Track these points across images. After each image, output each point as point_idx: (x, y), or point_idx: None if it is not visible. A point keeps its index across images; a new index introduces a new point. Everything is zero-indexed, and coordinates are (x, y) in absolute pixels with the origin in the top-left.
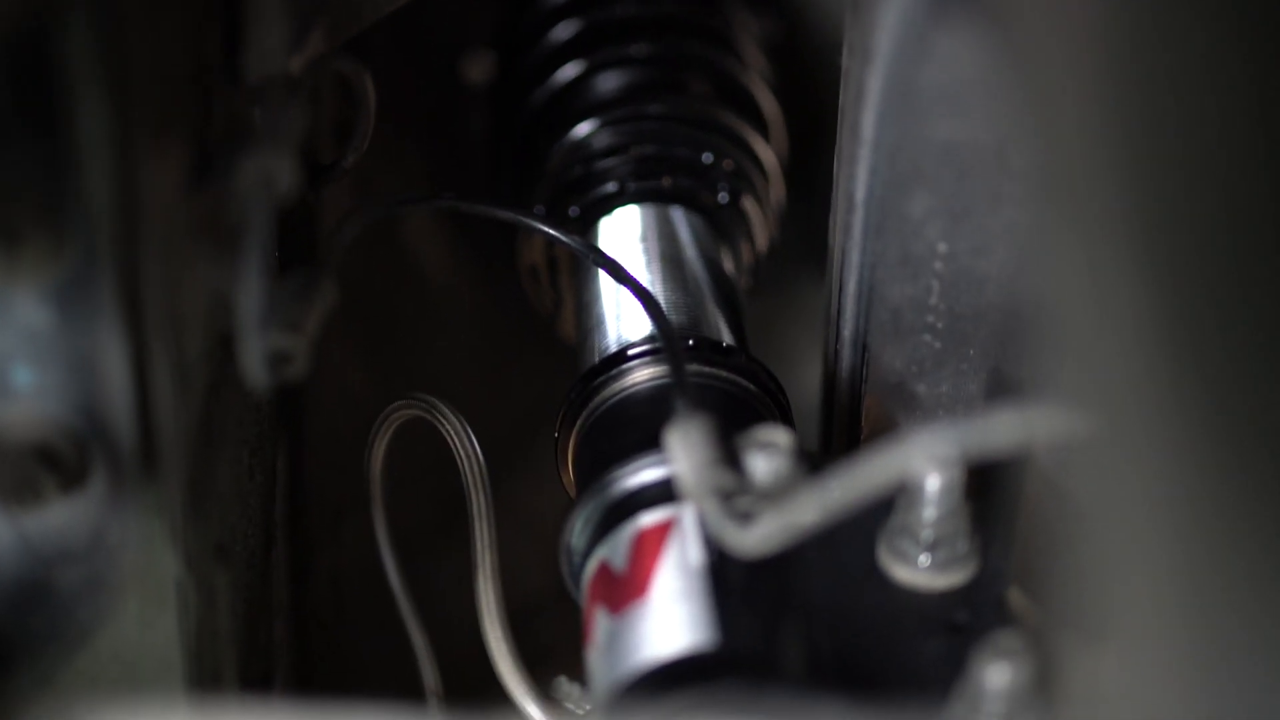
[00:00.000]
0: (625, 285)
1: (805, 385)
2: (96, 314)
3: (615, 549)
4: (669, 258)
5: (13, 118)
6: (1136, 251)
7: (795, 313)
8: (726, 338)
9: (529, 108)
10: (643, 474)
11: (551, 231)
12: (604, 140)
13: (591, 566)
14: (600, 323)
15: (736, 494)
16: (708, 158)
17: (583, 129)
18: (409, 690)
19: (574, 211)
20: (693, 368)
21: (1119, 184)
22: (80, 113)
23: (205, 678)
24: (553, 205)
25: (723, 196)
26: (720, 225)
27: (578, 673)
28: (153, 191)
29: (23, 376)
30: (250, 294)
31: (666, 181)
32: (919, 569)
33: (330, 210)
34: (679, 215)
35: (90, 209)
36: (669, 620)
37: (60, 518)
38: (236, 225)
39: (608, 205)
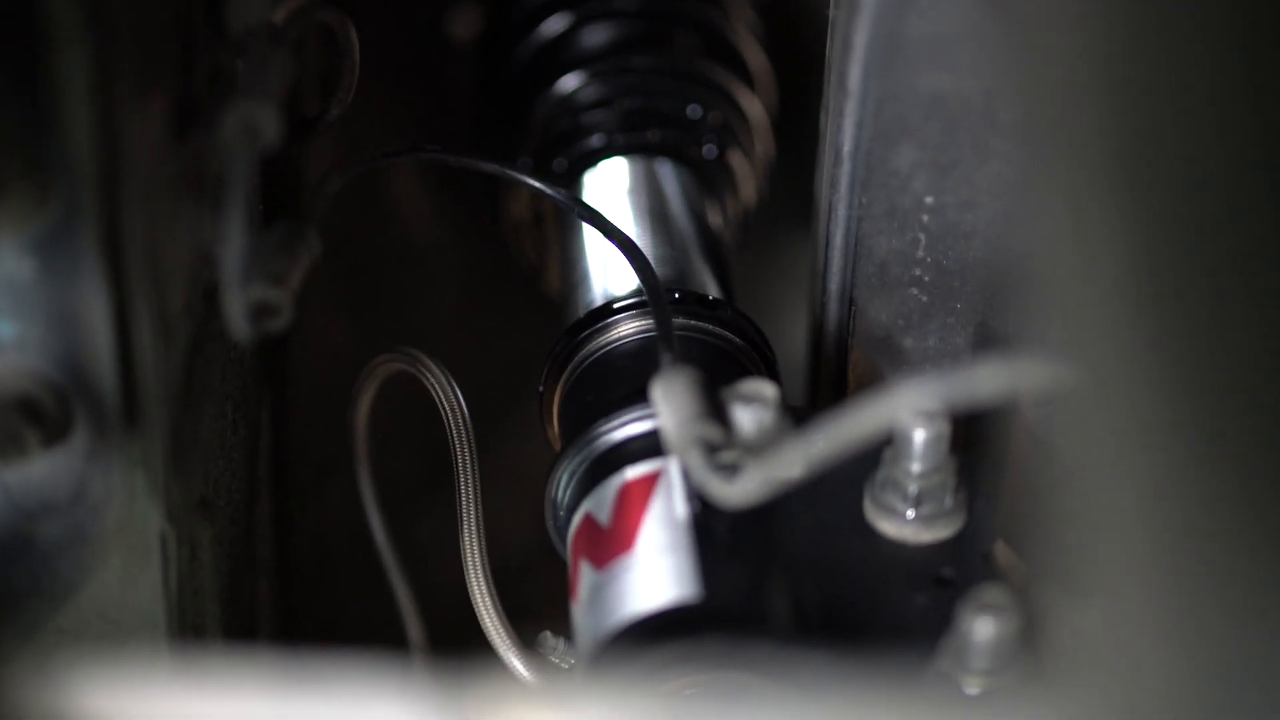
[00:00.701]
0: (611, 239)
1: (790, 340)
2: (79, 266)
3: (600, 503)
4: (655, 211)
5: None
6: (1121, 205)
7: (781, 268)
8: (713, 291)
9: (515, 62)
10: (628, 427)
11: (537, 184)
12: (590, 93)
13: (576, 520)
14: (585, 277)
15: (722, 447)
16: (694, 111)
17: (568, 82)
18: (393, 646)
19: (559, 165)
20: (678, 321)
21: (1104, 138)
22: (62, 65)
23: (188, 633)
24: (538, 159)
25: (710, 150)
26: (707, 179)
27: (562, 627)
28: (135, 143)
29: (4, 329)
30: (233, 246)
31: (653, 135)
32: (905, 522)
33: (313, 164)
34: (665, 169)
35: (72, 161)
36: (654, 574)
37: (42, 471)
38: (220, 177)
39: (593, 159)
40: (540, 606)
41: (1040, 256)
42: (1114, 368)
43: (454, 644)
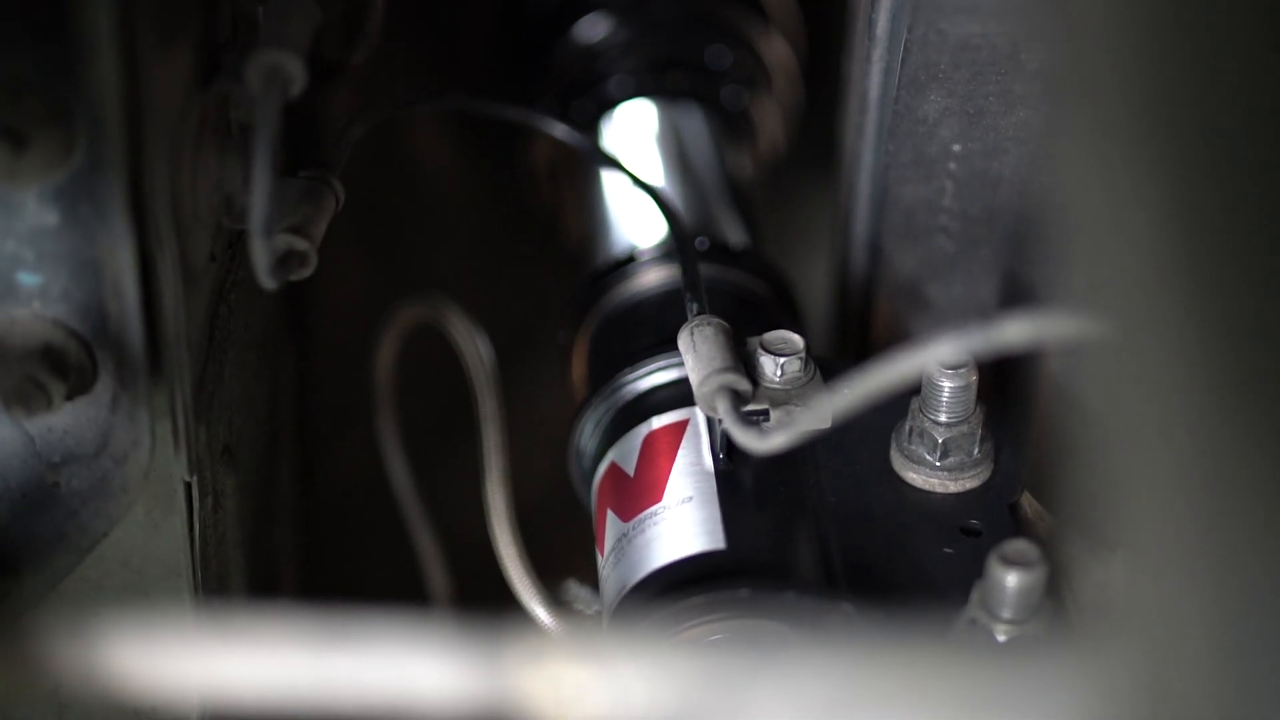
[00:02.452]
0: (638, 186)
1: (806, 289)
2: (103, 215)
3: (626, 452)
4: (678, 157)
5: (19, 18)
6: (1150, 153)
7: (796, 215)
8: (738, 238)
9: (534, 6)
10: (654, 376)
11: (561, 131)
12: (611, 38)
13: (602, 470)
14: (606, 224)
15: (749, 397)
16: (719, 55)
17: (589, 26)
18: (413, 595)
19: (579, 110)
20: (705, 269)
21: (1134, 84)
22: (87, 12)
23: (211, 583)
24: (559, 104)
25: (736, 94)
26: (732, 124)
27: (575, 575)
28: (160, 91)
29: (28, 279)
30: (260, 194)
31: (676, 79)
32: (932, 473)
33: (326, 111)
34: (690, 114)
35: (97, 109)
36: (681, 525)
37: (66, 421)
38: (244, 126)
39: (614, 103)
40: (554, 555)
41: (1069, 204)
42: (1146, 317)
43: (472, 593)
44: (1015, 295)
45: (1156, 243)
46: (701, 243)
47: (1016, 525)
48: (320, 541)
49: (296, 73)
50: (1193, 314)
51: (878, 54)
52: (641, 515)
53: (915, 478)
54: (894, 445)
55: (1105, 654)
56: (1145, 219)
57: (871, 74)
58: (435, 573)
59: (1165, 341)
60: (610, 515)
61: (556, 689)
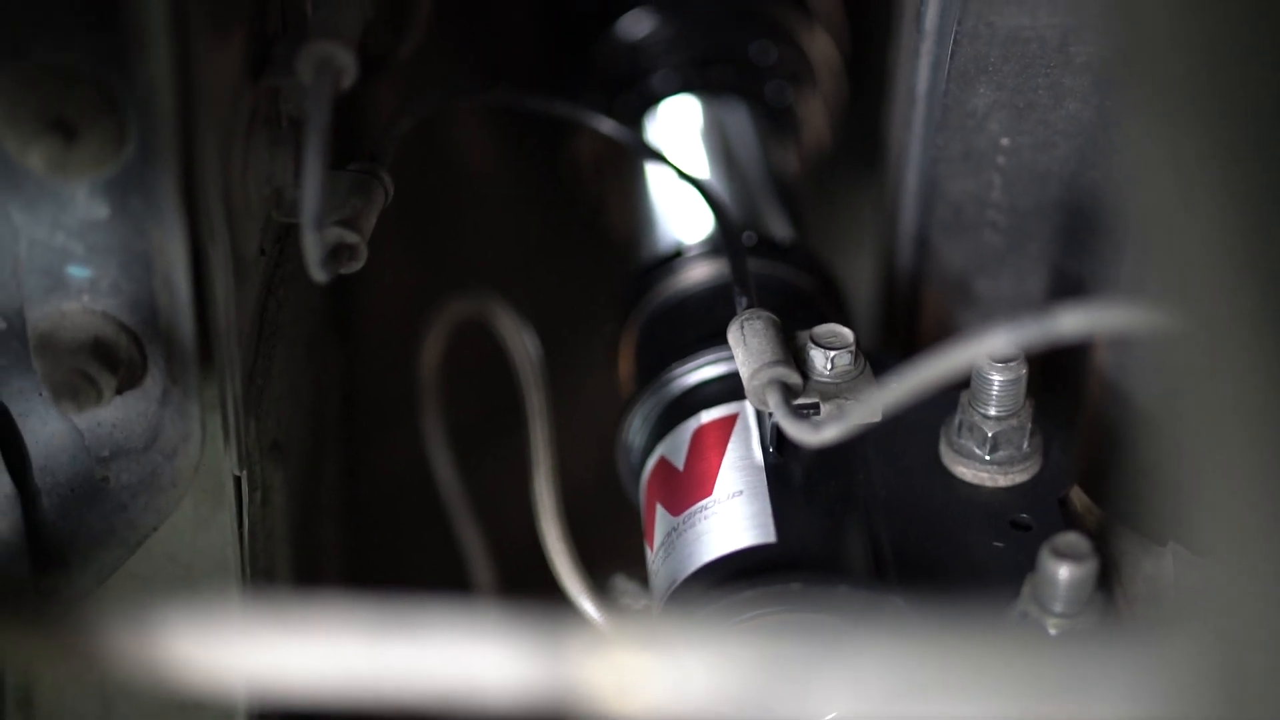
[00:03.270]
0: (684, 180)
1: (853, 284)
2: (154, 208)
3: (675, 446)
4: (724, 152)
5: (71, 7)
6: (1220, 138)
7: (835, 210)
8: (784, 233)
9: (578, 1)
10: (703, 370)
11: (607, 125)
12: (656, 33)
13: (650, 464)
14: (652, 218)
15: (799, 390)
16: (763, 51)
17: (633, 21)
18: (461, 593)
19: (625, 106)
20: (752, 263)
21: (1201, 67)
22: (139, 2)
23: (259, 577)
24: (603, 100)
25: (780, 89)
26: (778, 120)
27: (627, 572)
28: (212, 83)
29: (79, 272)
30: (312, 187)
31: (721, 74)
32: (981, 466)
33: (371, 105)
34: (734, 109)
35: (149, 101)
36: (731, 519)
37: (116, 415)
38: (294, 118)
39: (658, 98)
40: (599, 550)
41: (1136, 193)
42: (1217, 307)
43: (517, 589)
44: (1064, 290)
45: (1228, 231)
46: (749, 237)
47: (1066, 519)
48: (365, 538)
49: (348, 64)
50: (1266, 304)
51: (926, 47)
52: (691, 509)
53: (965, 472)
54: (943, 439)
55: (1174, 642)
56: (1216, 206)
57: (920, 67)
58: (481, 569)
59: (1238, 332)
60: (660, 509)
61: (618, 676)
